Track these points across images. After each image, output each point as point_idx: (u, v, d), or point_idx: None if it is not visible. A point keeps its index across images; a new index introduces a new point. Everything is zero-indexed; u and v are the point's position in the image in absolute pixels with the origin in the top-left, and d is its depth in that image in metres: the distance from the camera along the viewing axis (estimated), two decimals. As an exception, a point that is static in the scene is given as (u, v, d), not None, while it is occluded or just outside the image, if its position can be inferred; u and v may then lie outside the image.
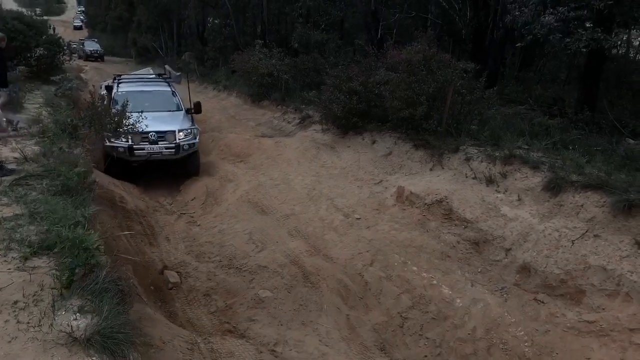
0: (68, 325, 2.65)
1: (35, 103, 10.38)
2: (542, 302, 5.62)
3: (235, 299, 6.34)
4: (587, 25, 9.54)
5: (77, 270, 2.98)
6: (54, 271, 3.07)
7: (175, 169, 10.82)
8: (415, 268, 6.59)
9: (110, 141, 9.45)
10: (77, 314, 2.79)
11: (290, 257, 7.11)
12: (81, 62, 32.89)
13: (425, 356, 5.51)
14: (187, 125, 10.77)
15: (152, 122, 9.99)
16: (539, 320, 5.45)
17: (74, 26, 65.39)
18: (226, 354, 4.98)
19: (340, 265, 6.94)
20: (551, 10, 9.31)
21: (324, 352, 5.41)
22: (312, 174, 10.23)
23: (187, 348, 4.76)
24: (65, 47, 17.73)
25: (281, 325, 5.85)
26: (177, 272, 6.91)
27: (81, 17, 70.67)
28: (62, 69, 16.31)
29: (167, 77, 12.96)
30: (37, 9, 68.77)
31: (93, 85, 8.74)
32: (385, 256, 6.88)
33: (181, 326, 5.55)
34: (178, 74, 13.35)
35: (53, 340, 2.65)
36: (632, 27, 12.05)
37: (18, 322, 2.81)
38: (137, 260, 6.25)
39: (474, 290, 6.09)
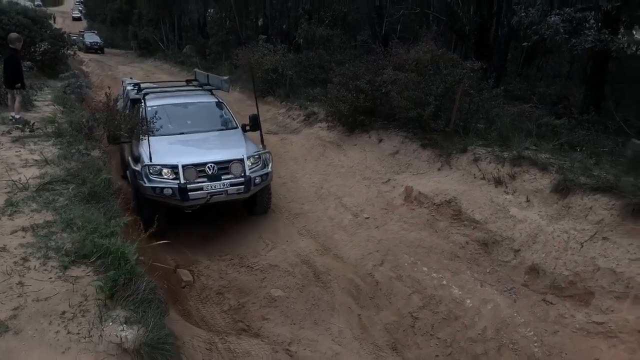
0: (117, 336, 2.74)
1: (44, 100, 10.39)
2: (551, 303, 5.71)
3: (248, 298, 6.45)
4: (592, 22, 9.57)
5: (119, 281, 3.08)
6: (97, 282, 3.17)
7: (235, 207, 8.55)
8: (425, 268, 6.69)
9: (148, 179, 7.04)
10: (124, 325, 2.89)
11: (301, 257, 7.22)
12: (81, 54, 32.74)
13: (437, 356, 5.61)
14: (253, 148, 8.01)
15: (204, 148, 7.83)
16: (548, 320, 5.54)
17: (73, 17, 65.04)
18: (243, 353, 5.09)
19: (350, 265, 7.05)
20: (557, 10, 9.37)
21: (337, 352, 5.51)
22: (319, 172, 10.29)
23: (206, 348, 4.86)
24: (73, 44, 17.70)
25: (294, 324, 5.95)
26: (190, 270, 7.00)
27: (80, 8, 70.20)
28: (66, 64, 16.33)
29: (205, 84, 9.65)
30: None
31: (109, 87, 8.33)
32: (395, 256, 6.98)
33: (195, 324, 5.64)
34: (225, 78, 9.04)
35: (104, 351, 2.74)
36: (637, 26, 12.11)
37: (69, 332, 2.90)
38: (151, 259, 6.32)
39: (483, 290, 6.18)
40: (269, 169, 7.90)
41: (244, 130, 8.66)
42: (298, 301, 6.33)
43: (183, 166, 7.08)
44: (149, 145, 7.20)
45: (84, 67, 24.12)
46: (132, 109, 8.43)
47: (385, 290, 6.52)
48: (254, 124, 8.71)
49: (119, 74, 26.13)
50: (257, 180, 7.59)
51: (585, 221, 6.11)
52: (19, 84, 8.72)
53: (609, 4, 8.54)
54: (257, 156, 7.81)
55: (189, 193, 7.05)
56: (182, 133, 8.05)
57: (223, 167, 7.37)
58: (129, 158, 7.78)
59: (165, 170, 7.13)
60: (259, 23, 27.75)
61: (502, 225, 6.83)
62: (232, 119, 8.91)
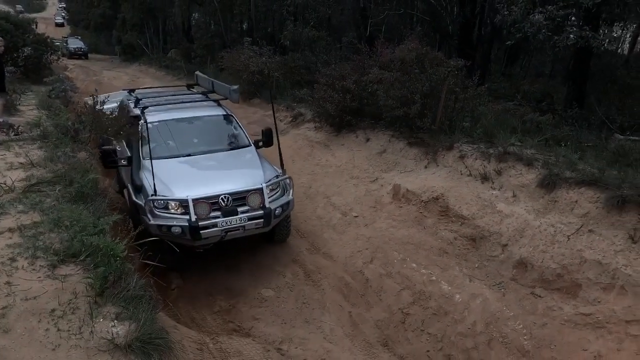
0: (108, 332, 2.74)
1: (29, 105, 10.28)
2: (539, 296, 5.77)
3: (238, 299, 6.44)
4: (573, 19, 9.72)
5: (109, 278, 3.07)
6: (88, 279, 3.15)
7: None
8: (414, 265, 6.73)
9: (153, 215, 6.05)
10: (115, 321, 2.88)
11: (291, 256, 7.22)
12: (65, 60, 32.46)
13: (428, 351, 5.66)
14: (271, 172, 6.93)
15: (216, 175, 6.83)
16: (536, 313, 5.60)
17: (56, 23, 64.54)
18: (234, 353, 5.09)
19: (340, 263, 7.07)
20: (540, 9, 9.50)
21: (328, 350, 5.53)
22: (307, 172, 10.31)
23: (197, 348, 4.86)
24: (58, 50, 17.59)
25: (285, 323, 5.97)
26: (179, 272, 6.96)
27: (62, 14, 69.64)
28: (50, 69, 16.20)
29: (209, 91, 8.53)
30: (18, 5, 67.79)
31: (96, 89, 8.23)
32: (385, 253, 7.01)
33: (185, 326, 5.62)
34: (234, 87, 7.70)
35: (95, 347, 2.74)
36: (616, 23, 12.33)
37: (59, 330, 2.89)
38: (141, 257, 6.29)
39: (472, 285, 6.23)
40: (290, 197, 6.89)
41: (257, 147, 7.66)
42: (289, 300, 6.35)
43: (194, 200, 6.07)
44: (152, 172, 6.18)
45: (68, 73, 23.94)
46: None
47: (375, 287, 6.55)
48: (267, 139, 7.74)
49: (103, 78, 26.00)
50: (278, 211, 6.57)
51: (571, 214, 6.18)
52: (2, 88, 8.65)
53: (589, 1, 8.66)
54: (276, 182, 6.80)
55: (201, 231, 6.06)
56: (189, 155, 7.04)
57: (239, 197, 6.36)
58: (129, 185, 6.85)
59: (172, 204, 6.13)
60: (244, 26, 27.74)
61: (490, 221, 6.88)
62: (244, 134, 7.78)
